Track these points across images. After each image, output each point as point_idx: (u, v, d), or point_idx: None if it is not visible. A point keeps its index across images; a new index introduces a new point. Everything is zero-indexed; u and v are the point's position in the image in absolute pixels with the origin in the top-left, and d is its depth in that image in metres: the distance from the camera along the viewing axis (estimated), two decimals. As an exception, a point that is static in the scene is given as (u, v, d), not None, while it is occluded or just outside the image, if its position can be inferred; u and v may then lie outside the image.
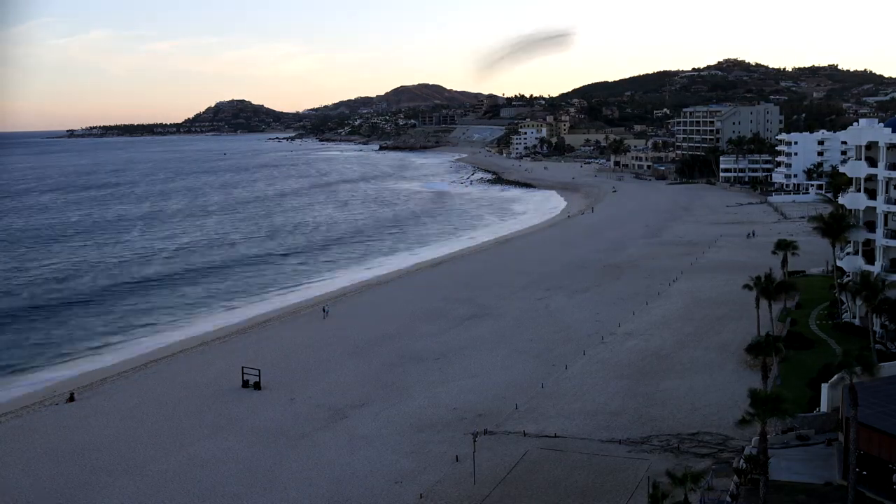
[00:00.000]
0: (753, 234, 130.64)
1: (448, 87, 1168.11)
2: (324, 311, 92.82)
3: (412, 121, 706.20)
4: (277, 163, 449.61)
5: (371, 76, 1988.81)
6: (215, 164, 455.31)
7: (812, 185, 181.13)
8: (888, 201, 68.13)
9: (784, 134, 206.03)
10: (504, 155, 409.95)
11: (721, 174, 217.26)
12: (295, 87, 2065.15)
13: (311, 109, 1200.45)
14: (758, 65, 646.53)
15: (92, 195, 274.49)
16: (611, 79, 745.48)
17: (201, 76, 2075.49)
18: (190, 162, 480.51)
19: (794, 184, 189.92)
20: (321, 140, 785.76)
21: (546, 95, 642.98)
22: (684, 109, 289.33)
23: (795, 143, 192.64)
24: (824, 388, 47.72)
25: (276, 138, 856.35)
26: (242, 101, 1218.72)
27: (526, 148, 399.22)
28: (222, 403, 63.08)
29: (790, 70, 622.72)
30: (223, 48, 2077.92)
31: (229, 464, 51.44)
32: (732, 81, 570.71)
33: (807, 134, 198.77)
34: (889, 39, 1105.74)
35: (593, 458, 48.97)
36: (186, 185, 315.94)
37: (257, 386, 66.12)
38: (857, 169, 72.34)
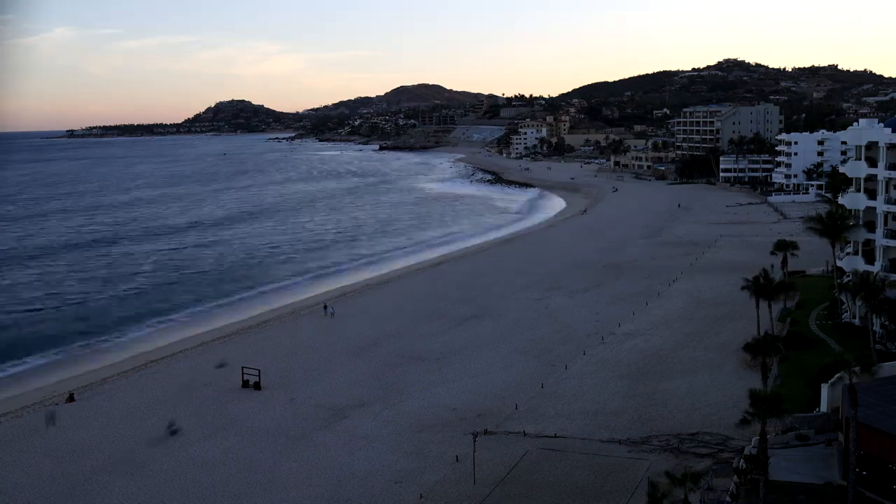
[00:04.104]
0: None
1: (448, 87, 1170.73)
2: (324, 308, 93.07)
3: (412, 121, 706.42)
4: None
5: (371, 76, 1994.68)
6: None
7: (812, 185, 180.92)
8: (888, 201, 68.10)
9: (784, 134, 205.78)
10: (504, 155, 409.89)
11: (721, 174, 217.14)
12: (295, 88, 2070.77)
13: (311, 109, 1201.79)
14: (758, 65, 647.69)
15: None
16: (611, 79, 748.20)
17: (200, 76, 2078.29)
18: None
19: (793, 184, 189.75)
20: (321, 140, 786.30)
21: (546, 95, 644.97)
22: (684, 109, 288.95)
23: (795, 143, 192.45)
24: (824, 388, 47.68)
25: (276, 138, 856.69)
26: (242, 102, 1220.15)
27: (526, 148, 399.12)
28: (222, 403, 63.06)
29: (790, 70, 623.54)
30: (200, 47, 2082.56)
31: (229, 464, 51.43)
32: (732, 81, 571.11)
33: (807, 134, 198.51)
34: (889, 39, 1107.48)
35: (593, 458, 48.94)
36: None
37: (257, 386, 66.11)
38: (857, 169, 72.30)
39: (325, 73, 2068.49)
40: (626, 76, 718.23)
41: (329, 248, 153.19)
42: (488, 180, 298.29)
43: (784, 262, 79.68)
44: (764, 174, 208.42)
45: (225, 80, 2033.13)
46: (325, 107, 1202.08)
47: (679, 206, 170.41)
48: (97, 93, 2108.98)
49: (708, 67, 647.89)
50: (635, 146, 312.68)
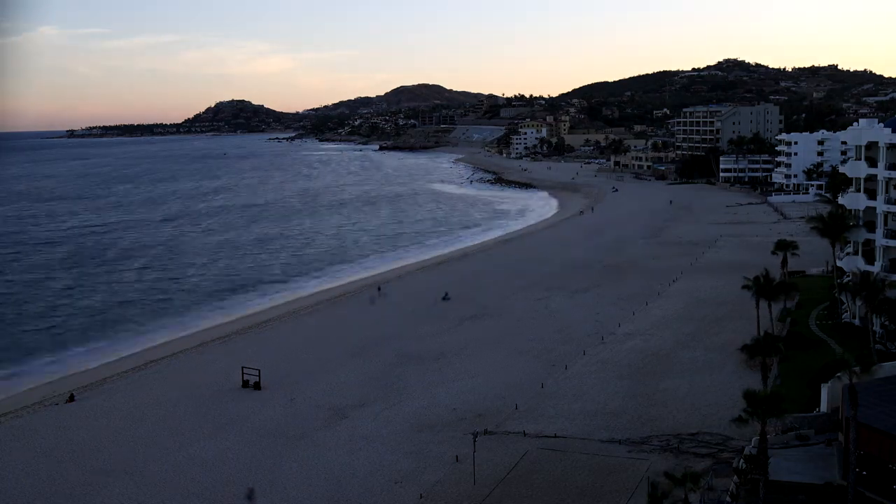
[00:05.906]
0: None
1: (448, 87, 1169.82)
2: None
3: (412, 121, 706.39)
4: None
5: (371, 76, 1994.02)
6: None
7: (812, 185, 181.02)
8: (888, 201, 68.06)
9: (784, 134, 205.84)
10: (504, 155, 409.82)
11: (721, 174, 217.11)
12: (295, 88, 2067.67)
13: (311, 109, 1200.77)
14: (758, 65, 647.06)
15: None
16: (611, 79, 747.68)
17: (197, 77, 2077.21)
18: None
19: (794, 184, 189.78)
20: (321, 140, 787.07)
21: (546, 95, 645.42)
22: (684, 109, 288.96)
23: (795, 143, 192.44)
24: (824, 388, 47.72)
25: (276, 138, 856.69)
26: (242, 102, 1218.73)
27: (526, 148, 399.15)
28: (222, 403, 63.05)
29: (790, 70, 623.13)
30: (195, 46, 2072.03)
31: (229, 464, 51.41)
32: (732, 81, 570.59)
33: (807, 134, 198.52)
34: (889, 39, 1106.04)
35: (593, 459, 48.94)
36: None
37: (257, 386, 66.10)
38: (857, 169, 72.30)
39: (325, 73, 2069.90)
40: (626, 76, 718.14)
41: (327, 248, 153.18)
42: (488, 180, 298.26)
43: (784, 262, 79.67)
44: (764, 174, 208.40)
45: (225, 81, 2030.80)
46: (325, 107, 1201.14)
47: (671, 202, 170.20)
48: (95, 93, 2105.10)
49: (708, 67, 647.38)
50: (635, 146, 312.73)
